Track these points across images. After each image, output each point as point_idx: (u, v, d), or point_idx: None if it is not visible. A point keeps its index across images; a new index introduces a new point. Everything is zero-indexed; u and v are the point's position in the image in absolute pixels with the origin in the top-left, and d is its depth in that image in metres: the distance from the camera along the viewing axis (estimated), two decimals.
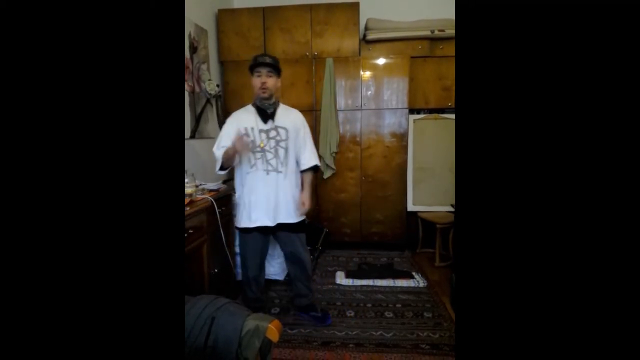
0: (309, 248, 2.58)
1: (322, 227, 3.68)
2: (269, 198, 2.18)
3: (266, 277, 2.92)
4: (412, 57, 3.56)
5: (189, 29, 3.02)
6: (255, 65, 2.12)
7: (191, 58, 3.07)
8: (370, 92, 3.59)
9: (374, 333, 2.27)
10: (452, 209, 3.10)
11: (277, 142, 2.18)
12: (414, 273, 3.15)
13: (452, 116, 3.73)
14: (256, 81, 2.13)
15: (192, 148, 3.03)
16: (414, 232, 3.75)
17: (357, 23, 3.54)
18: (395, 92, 3.57)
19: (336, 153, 3.63)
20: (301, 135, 2.28)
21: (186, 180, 2.15)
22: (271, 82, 2.12)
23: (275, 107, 2.21)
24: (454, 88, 3.61)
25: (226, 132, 2.16)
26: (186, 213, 1.94)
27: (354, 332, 2.29)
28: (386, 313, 2.52)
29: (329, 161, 3.61)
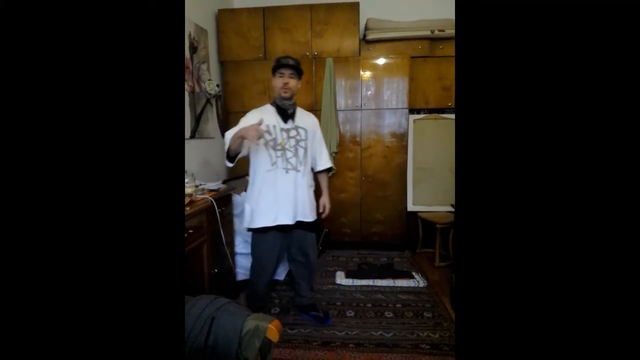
0: None
1: (322, 227, 3.68)
2: (288, 196, 2.19)
3: None
4: (412, 57, 3.56)
5: (189, 28, 3.02)
6: (278, 67, 2.14)
7: (191, 58, 3.07)
8: (370, 92, 3.59)
9: (374, 333, 2.28)
10: (452, 209, 3.10)
11: (297, 142, 2.20)
12: (414, 273, 3.15)
13: (452, 116, 3.73)
14: (278, 81, 2.15)
15: (192, 148, 3.03)
16: (414, 232, 3.75)
17: (357, 23, 3.54)
18: (395, 92, 3.57)
19: (336, 153, 3.63)
20: (317, 137, 2.34)
21: (186, 180, 2.15)
22: (293, 82, 2.16)
23: (294, 107, 2.24)
24: (454, 88, 3.61)
25: (244, 122, 2.12)
26: (186, 213, 1.94)
27: (354, 332, 2.29)
28: (386, 313, 2.53)
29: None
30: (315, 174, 2.42)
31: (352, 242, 3.79)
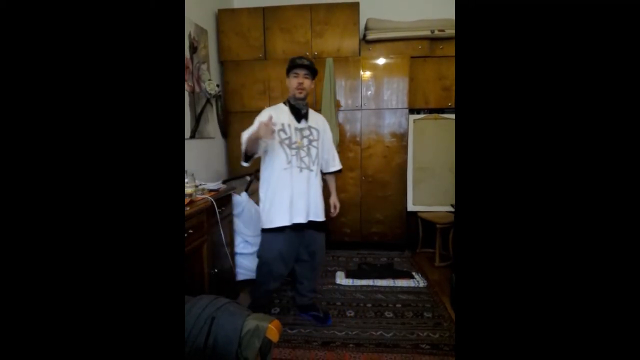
0: None
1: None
2: (303, 195, 2.20)
3: None
4: (412, 57, 3.56)
5: (189, 29, 3.02)
6: (292, 67, 2.15)
7: (191, 58, 3.07)
8: (370, 92, 3.59)
9: (374, 333, 2.28)
10: (452, 209, 3.10)
11: (310, 142, 2.22)
12: (414, 273, 3.15)
13: (452, 116, 3.73)
14: (293, 81, 2.16)
15: (192, 148, 3.03)
16: (414, 232, 3.75)
17: (357, 23, 3.54)
18: (395, 92, 3.57)
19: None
20: (328, 137, 2.36)
21: (186, 180, 2.15)
22: (307, 83, 2.17)
23: (307, 107, 2.25)
24: (454, 88, 3.61)
25: (258, 121, 2.07)
26: (186, 213, 1.94)
27: (354, 332, 2.29)
28: (386, 313, 2.53)
29: None
30: (323, 175, 2.43)
31: (352, 242, 3.79)
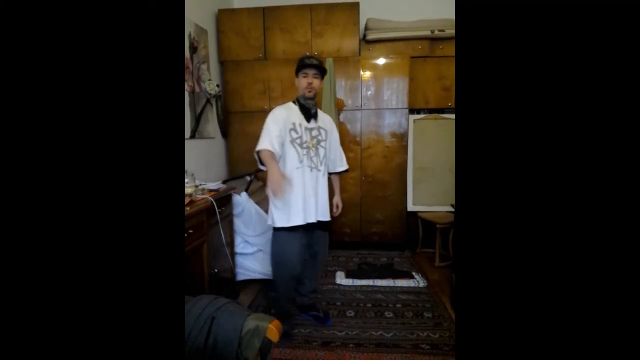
0: None
1: None
2: (312, 195, 2.19)
3: (265, 277, 2.92)
4: (412, 57, 3.56)
5: (189, 28, 3.02)
6: (302, 67, 2.15)
7: (191, 58, 3.07)
8: (370, 92, 3.59)
9: (374, 333, 2.28)
10: (452, 209, 3.09)
11: (319, 142, 2.22)
12: (414, 273, 3.15)
13: (452, 116, 3.73)
14: (302, 81, 2.16)
15: (192, 148, 3.03)
16: (414, 232, 3.75)
17: (357, 23, 3.54)
18: (395, 92, 3.57)
19: None
20: (335, 138, 2.36)
21: (186, 180, 2.15)
22: (316, 82, 2.17)
23: (316, 107, 2.24)
24: (454, 88, 3.61)
25: (274, 134, 2.09)
26: (186, 213, 1.94)
27: (354, 332, 2.29)
28: (386, 313, 2.53)
29: None
30: (329, 174, 2.42)
31: (352, 242, 3.79)
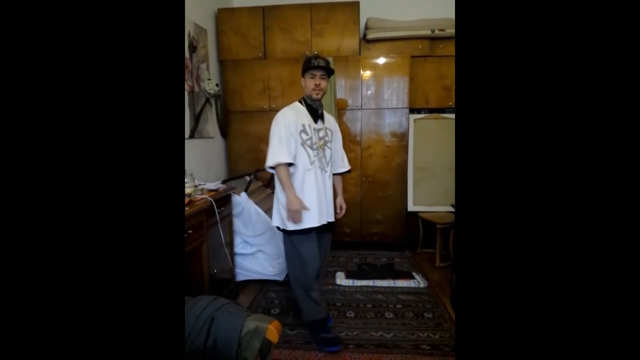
0: None
1: None
2: (323, 195, 2.18)
3: (265, 277, 2.92)
4: (412, 57, 3.55)
5: (188, 28, 3.01)
6: (309, 68, 2.10)
7: (190, 57, 3.06)
8: (370, 91, 3.58)
9: (374, 334, 2.27)
10: (453, 209, 3.08)
11: (325, 143, 2.20)
12: (414, 273, 3.14)
13: (453, 116, 3.72)
14: (310, 82, 2.12)
15: (191, 148, 3.02)
16: (414, 232, 3.74)
17: (357, 22, 3.53)
18: (396, 92, 3.56)
19: None
20: (338, 138, 2.34)
21: (185, 180, 2.13)
22: (324, 83, 2.14)
23: (322, 108, 2.22)
24: (454, 88, 3.60)
25: (289, 143, 2.06)
26: (185, 213, 1.93)
27: (354, 333, 2.28)
28: (386, 314, 2.52)
29: None
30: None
31: (352, 242, 3.78)
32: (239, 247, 2.85)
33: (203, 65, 3.29)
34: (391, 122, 3.61)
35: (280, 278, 2.94)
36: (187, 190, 2.14)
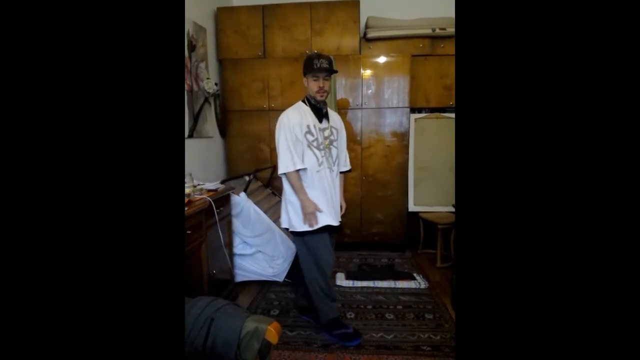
0: None
1: None
2: (333, 195, 2.16)
3: (264, 278, 2.90)
4: (413, 56, 3.53)
5: (187, 27, 2.99)
6: (312, 70, 2.05)
7: (189, 56, 3.04)
8: (370, 90, 3.57)
9: (375, 335, 2.25)
10: (454, 209, 3.06)
11: (331, 142, 2.18)
12: (415, 274, 3.12)
13: (454, 115, 3.69)
14: (313, 85, 2.08)
15: (190, 147, 2.99)
16: (415, 232, 3.72)
17: (358, 21, 3.51)
18: (396, 91, 3.54)
19: None
20: (343, 137, 2.31)
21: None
22: (327, 84, 2.11)
23: (326, 107, 2.19)
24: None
25: (296, 148, 2.05)
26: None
27: None
28: (387, 315, 2.50)
29: None
30: None
31: (352, 243, 3.76)
32: (238, 247, 2.83)
33: (202, 64, 3.27)
34: (392, 121, 3.59)
35: (280, 279, 2.92)
36: (186, 190, 2.13)
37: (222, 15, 3.60)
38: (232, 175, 3.54)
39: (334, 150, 2.18)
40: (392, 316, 2.47)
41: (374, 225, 3.72)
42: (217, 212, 2.31)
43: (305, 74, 2.11)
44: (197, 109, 3.15)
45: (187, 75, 2.99)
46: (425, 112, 3.76)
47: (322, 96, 2.10)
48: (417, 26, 3.56)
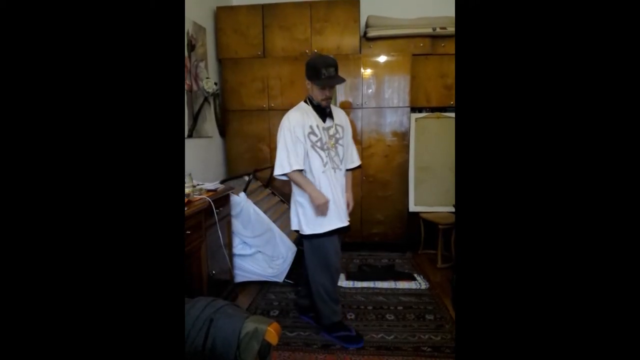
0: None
1: None
2: (340, 196, 2.14)
3: (264, 279, 2.89)
4: (413, 55, 3.52)
5: (187, 26, 2.98)
6: (320, 80, 2.00)
7: (189, 56, 3.03)
8: (371, 90, 3.55)
9: (375, 335, 2.24)
10: (454, 210, 3.05)
11: (337, 140, 2.15)
12: (415, 275, 3.11)
13: (454, 115, 3.68)
14: (318, 93, 2.04)
15: (189, 147, 2.98)
16: (415, 232, 3.71)
17: (358, 20, 3.50)
18: (397, 91, 3.53)
19: None
20: (349, 133, 2.28)
21: None
22: (332, 91, 2.10)
23: (330, 106, 2.17)
24: None
25: (296, 148, 2.03)
26: None
27: None
28: (387, 315, 2.48)
29: None
30: None
31: (352, 243, 3.73)
32: (237, 248, 2.82)
33: (202, 64, 3.26)
34: (392, 121, 3.58)
35: (280, 279, 2.91)
36: (186, 191, 2.12)
37: (221, 14, 3.58)
38: (231, 175, 3.53)
39: (340, 149, 2.15)
40: (392, 317, 2.46)
41: (375, 226, 3.71)
42: (217, 212, 2.30)
43: (310, 79, 2.06)
44: (196, 108, 3.14)
45: (186, 75, 2.98)
46: (426, 112, 3.75)
47: (327, 103, 2.09)
48: (417, 25, 3.54)
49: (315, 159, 2.06)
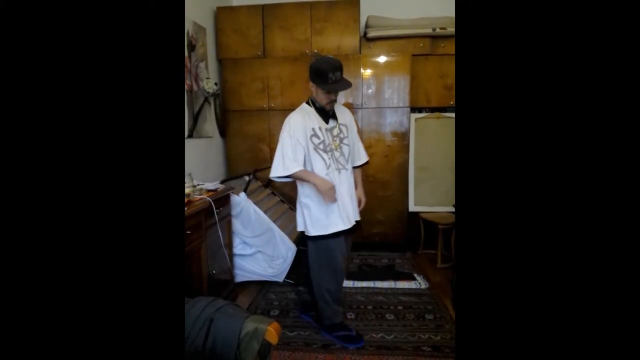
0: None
1: None
2: (346, 196, 2.12)
3: (264, 278, 2.89)
4: (413, 55, 3.52)
5: (187, 26, 2.99)
6: (327, 84, 1.98)
7: (189, 56, 3.03)
8: (371, 90, 3.56)
9: (375, 335, 2.24)
10: (454, 210, 3.05)
11: (341, 140, 2.14)
12: (415, 274, 3.11)
13: (454, 115, 3.68)
14: (323, 96, 2.03)
15: (189, 147, 2.99)
16: (415, 232, 3.71)
17: (358, 20, 3.50)
18: (397, 91, 3.53)
19: None
20: (355, 131, 2.27)
21: None
22: (337, 95, 2.10)
23: (333, 107, 2.15)
24: None
25: (296, 151, 2.02)
26: None
27: None
28: (387, 315, 2.49)
29: None
30: None
31: (352, 243, 3.73)
32: (238, 247, 2.82)
33: (202, 64, 3.26)
34: (392, 121, 3.58)
35: (280, 279, 2.91)
36: (186, 191, 2.12)
37: (221, 15, 3.59)
38: (231, 175, 3.53)
39: (345, 148, 2.14)
40: (392, 317, 2.47)
41: (374, 226, 3.71)
42: (217, 212, 2.31)
43: (315, 82, 2.04)
44: (196, 108, 3.14)
45: (186, 75, 2.98)
46: (426, 112, 3.75)
47: (331, 106, 2.09)
48: (417, 25, 3.54)
49: (317, 162, 2.05)
